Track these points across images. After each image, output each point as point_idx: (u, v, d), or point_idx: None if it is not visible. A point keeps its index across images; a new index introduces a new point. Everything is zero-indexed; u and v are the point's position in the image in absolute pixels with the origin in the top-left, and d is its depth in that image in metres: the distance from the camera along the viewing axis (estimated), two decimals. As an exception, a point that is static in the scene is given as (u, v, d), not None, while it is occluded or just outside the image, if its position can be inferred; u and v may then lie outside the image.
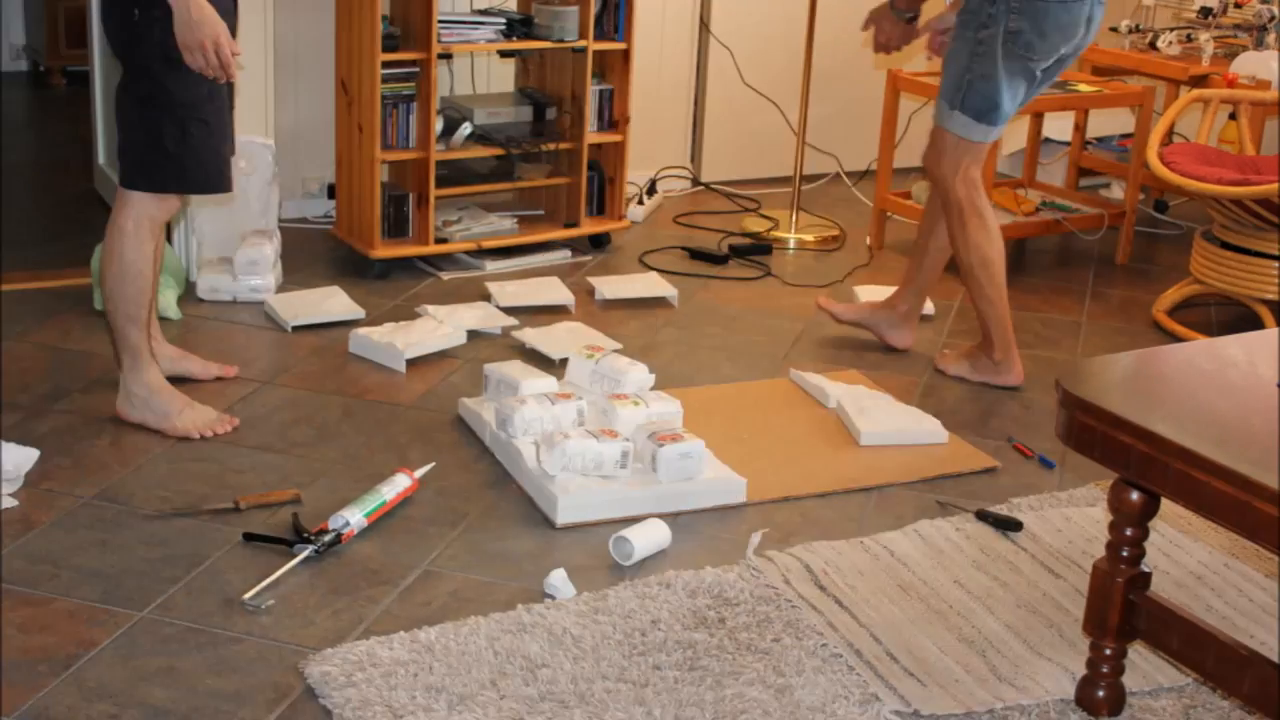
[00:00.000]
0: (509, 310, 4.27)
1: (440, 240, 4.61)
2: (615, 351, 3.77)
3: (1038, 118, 5.55)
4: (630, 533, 2.93)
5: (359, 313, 4.14)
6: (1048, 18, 3.51)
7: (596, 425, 3.33)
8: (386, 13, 4.44)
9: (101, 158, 5.04)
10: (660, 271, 4.70)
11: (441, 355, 3.90)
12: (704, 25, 5.58)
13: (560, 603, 2.73)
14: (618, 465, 3.13)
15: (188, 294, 4.25)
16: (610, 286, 4.43)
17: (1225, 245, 4.45)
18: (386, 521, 3.03)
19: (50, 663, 2.47)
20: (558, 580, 2.79)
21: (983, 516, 3.16)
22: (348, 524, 2.92)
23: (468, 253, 4.67)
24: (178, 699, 2.40)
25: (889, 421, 3.51)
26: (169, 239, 4.40)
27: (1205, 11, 5.57)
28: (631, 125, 4.87)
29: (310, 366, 3.82)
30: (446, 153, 4.59)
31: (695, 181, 5.74)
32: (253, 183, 4.31)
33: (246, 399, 3.59)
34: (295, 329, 4.03)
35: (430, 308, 4.09)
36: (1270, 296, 4.37)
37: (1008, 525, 3.12)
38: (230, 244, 4.30)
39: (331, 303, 4.17)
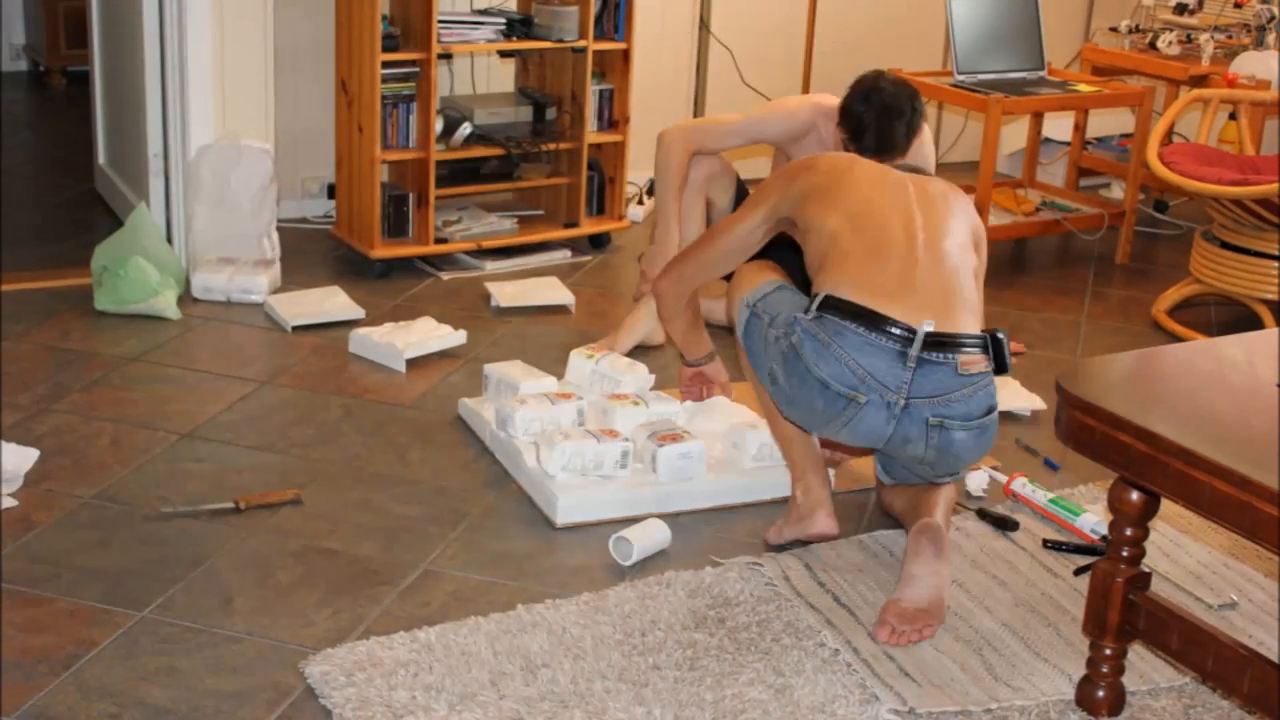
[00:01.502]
0: (508, 310, 4.27)
1: (440, 240, 4.61)
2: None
3: (1038, 118, 5.55)
4: (630, 533, 2.93)
5: (359, 312, 4.14)
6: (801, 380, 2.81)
7: (596, 425, 3.33)
8: (386, 13, 4.44)
9: (102, 158, 5.04)
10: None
11: (441, 355, 3.90)
12: (704, 25, 5.58)
13: (560, 602, 2.73)
14: (618, 465, 3.13)
15: (185, 293, 4.25)
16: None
17: (1225, 245, 4.45)
18: (386, 521, 3.03)
19: (50, 662, 2.47)
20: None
21: (983, 516, 3.16)
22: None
23: (468, 253, 4.67)
24: (178, 699, 2.40)
25: None
26: (169, 239, 4.41)
27: (1180, 8, 5.58)
28: (631, 125, 4.87)
29: (310, 366, 3.82)
30: (446, 153, 4.59)
31: (695, 181, 5.74)
32: (248, 188, 4.30)
33: (246, 399, 3.59)
34: (295, 329, 4.03)
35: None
36: (1270, 296, 4.37)
37: (1005, 524, 3.13)
38: (226, 243, 4.29)
39: (331, 303, 4.17)
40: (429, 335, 3.90)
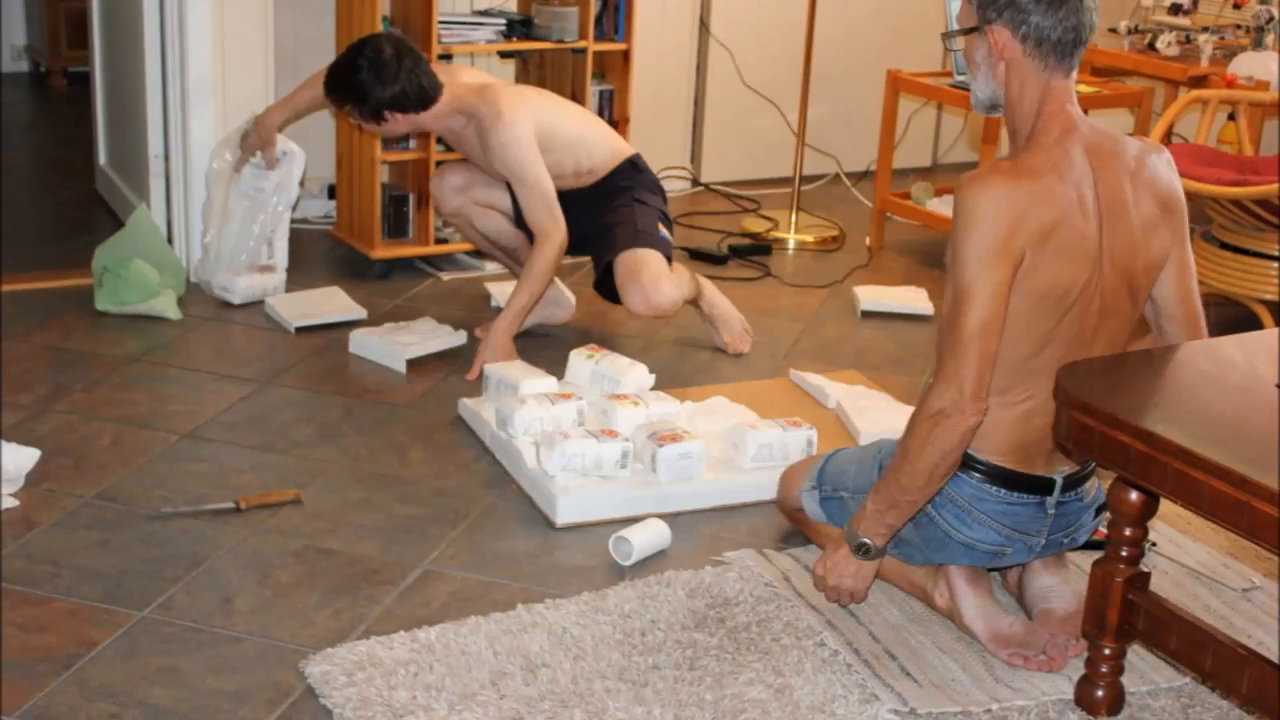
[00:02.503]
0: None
1: (440, 241, 4.61)
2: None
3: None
4: (630, 533, 2.93)
5: (361, 313, 4.14)
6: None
7: (596, 425, 3.33)
8: (386, 13, 4.45)
9: (102, 158, 5.04)
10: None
11: (441, 355, 3.90)
12: (704, 26, 5.59)
13: (560, 602, 2.73)
14: (618, 465, 3.14)
15: (187, 293, 4.25)
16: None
17: (1224, 246, 4.45)
18: (386, 521, 3.03)
19: (51, 662, 2.48)
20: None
21: None
22: None
23: (468, 253, 4.67)
24: (178, 699, 2.40)
25: (888, 421, 3.51)
26: (169, 240, 4.41)
27: (1175, 8, 5.58)
28: (631, 126, 4.87)
29: (310, 366, 3.82)
30: (446, 153, 4.59)
31: (695, 182, 5.75)
32: (268, 186, 4.28)
33: (246, 399, 3.59)
34: (299, 330, 4.04)
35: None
36: (1269, 297, 4.37)
37: None
38: (234, 239, 4.28)
39: (333, 303, 4.18)
40: (429, 336, 3.91)
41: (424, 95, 3.79)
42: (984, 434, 2.54)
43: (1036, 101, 2.49)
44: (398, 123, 3.85)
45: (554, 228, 3.78)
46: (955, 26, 2.63)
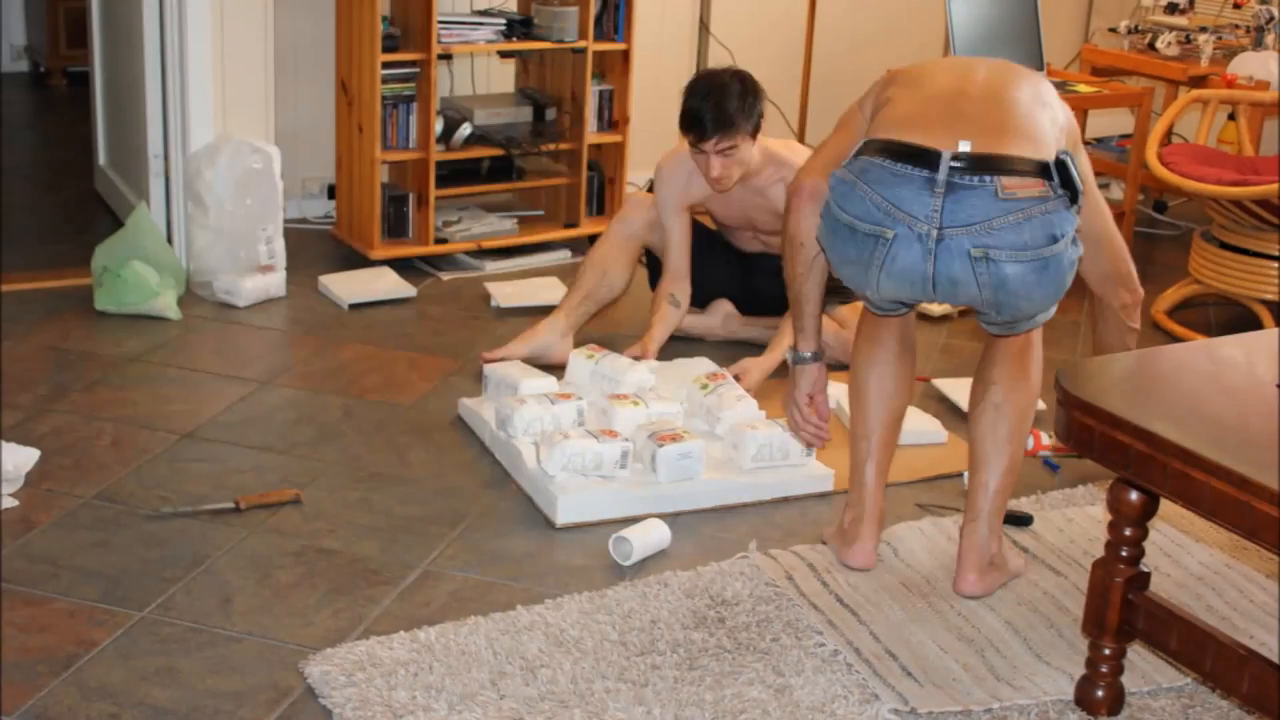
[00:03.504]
0: (508, 310, 4.27)
1: (440, 241, 4.61)
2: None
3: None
4: (630, 533, 2.93)
5: (410, 291, 4.26)
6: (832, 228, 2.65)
7: (596, 425, 3.33)
8: (386, 13, 4.45)
9: (102, 158, 5.04)
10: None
11: (441, 355, 3.89)
12: (704, 26, 5.58)
13: (560, 602, 2.73)
14: (618, 465, 3.14)
15: (187, 293, 4.25)
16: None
17: (1224, 245, 4.45)
18: (387, 521, 3.03)
19: (50, 662, 2.47)
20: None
21: None
22: None
23: (468, 253, 4.67)
24: (178, 699, 2.40)
25: None
26: (169, 239, 4.41)
27: (1172, 8, 5.58)
28: (631, 125, 4.87)
29: (310, 366, 3.82)
30: (446, 153, 4.59)
31: (695, 182, 5.74)
32: (257, 187, 4.28)
33: (246, 399, 3.59)
34: (352, 307, 4.19)
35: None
36: (1269, 296, 4.37)
37: (1019, 521, 3.13)
38: (237, 240, 4.26)
39: (383, 282, 4.32)
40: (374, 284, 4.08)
41: (759, 126, 3.79)
42: (887, 121, 2.61)
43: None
44: (745, 155, 3.76)
45: None
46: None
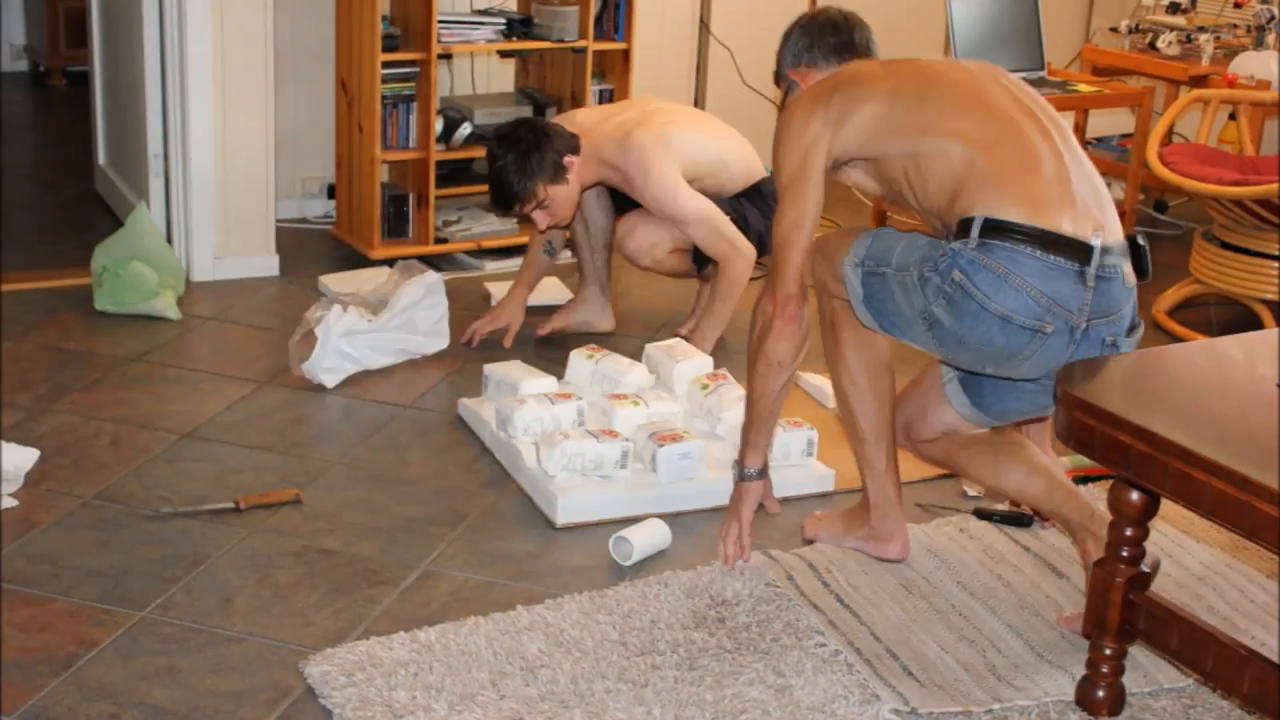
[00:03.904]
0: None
1: (440, 240, 4.61)
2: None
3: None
4: (630, 533, 2.93)
5: None
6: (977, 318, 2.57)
7: (596, 425, 3.33)
8: (386, 13, 4.44)
9: (102, 158, 5.04)
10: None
11: (441, 355, 3.89)
12: (704, 25, 5.58)
13: (560, 602, 2.73)
14: (618, 465, 3.13)
15: (187, 293, 4.25)
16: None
17: (1225, 245, 4.45)
18: (387, 521, 3.03)
19: (50, 662, 2.47)
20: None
21: (983, 515, 3.16)
22: None
23: (467, 253, 4.67)
24: (178, 699, 2.40)
25: None
26: (169, 239, 4.41)
27: (1174, 7, 5.58)
28: (631, 125, 4.87)
29: (310, 366, 3.82)
30: (446, 153, 4.59)
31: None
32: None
33: (246, 399, 3.59)
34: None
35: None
36: (1270, 296, 4.37)
37: (1019, 521, 3.13)
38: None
39: (379, 281, 4.20)
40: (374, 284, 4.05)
41: (559, 165, 3.78)
42: (1003, 194, 2.53)
43: None
44: (561, 195, 3.80)
45: (734, 252, 3.93)
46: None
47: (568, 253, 4.80)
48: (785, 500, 3.22)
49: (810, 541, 3.03)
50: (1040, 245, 2.50)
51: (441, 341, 3.89)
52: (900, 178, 2.68)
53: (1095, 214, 2.56)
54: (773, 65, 3.10)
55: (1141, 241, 2.62)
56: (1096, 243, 2.52)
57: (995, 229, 2.51)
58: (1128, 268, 2.59)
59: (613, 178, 3.91)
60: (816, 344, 4.18)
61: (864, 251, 2.73)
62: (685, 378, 3.58)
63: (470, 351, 3.95)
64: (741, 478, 2.90)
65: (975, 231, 2.51)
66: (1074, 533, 2.75)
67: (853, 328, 2.81)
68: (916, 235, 2.72)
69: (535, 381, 3.47)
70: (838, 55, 2.94)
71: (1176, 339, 4.37)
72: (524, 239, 4.73)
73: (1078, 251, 2.51)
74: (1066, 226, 2.52)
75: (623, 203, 4.04)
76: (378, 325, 3.75)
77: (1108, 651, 2.45)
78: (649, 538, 2.94)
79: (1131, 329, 2.62)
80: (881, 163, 2.71)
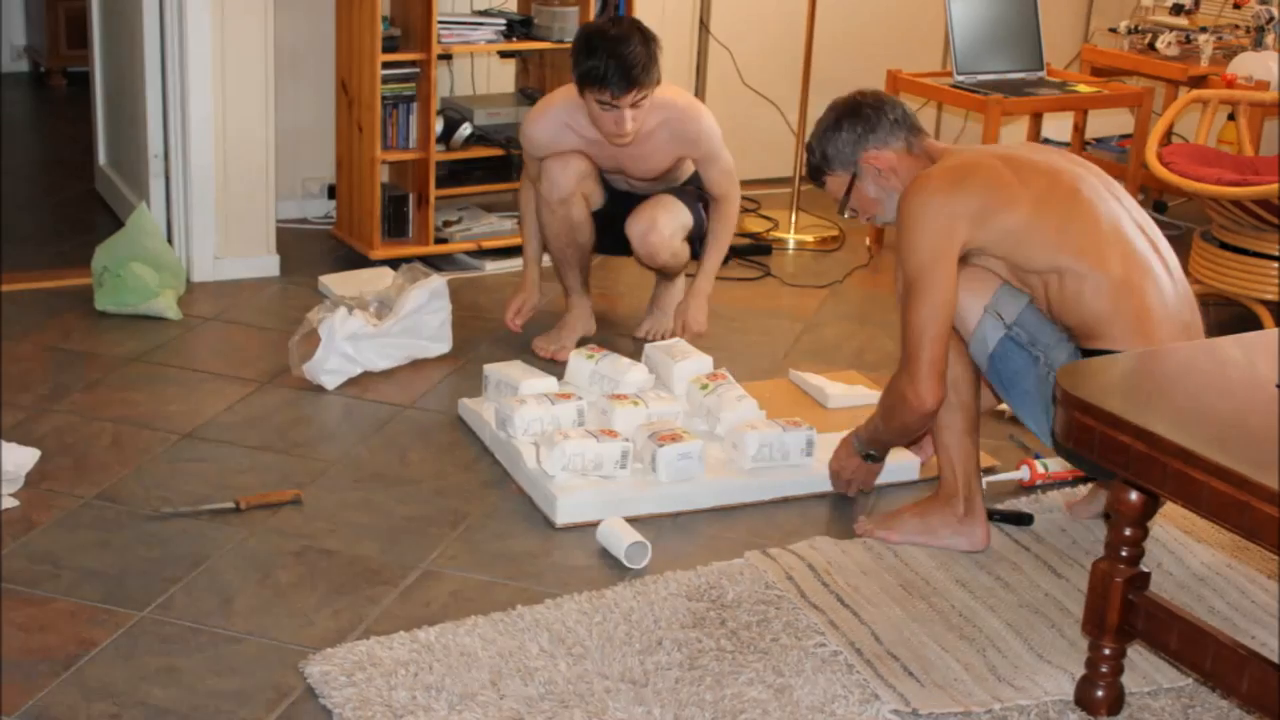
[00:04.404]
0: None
1: (440, 241, 4.61)
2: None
3: (1037, 118, 5.55)
4: (635, 536, 2.93)
5: None
6: None
7: (596, 425, 3.33)
8: (386, 13, 4.45)
9: (102, 158, 5.04)
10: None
11: (441, 356, 3.89)
12: (703, 26, 5.58)
13: (560, 602, 2.73)
14: (618, 465, 3.14)
15: (187, 293, 4.25)
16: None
17: (1224, 246, 4.45)
18: (386, 521, 3.03)
19: (51, 662, 2.48)
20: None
21: (991, 516, 3.15)
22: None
23: (468, 253, 4.67)
24: (178, 699, 2.40)
25: (856, 395, 3.63)
26: (169, 239, 4.41)
27: (1177, 9, 5.58)
28: (631, 126, 4.87)
29: (310, 367, 3.82)
30: (446, 153, 4.59)
31: (695, 182, 5.74)
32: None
33: (246, 399, 3.59)
34: None
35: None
36: (1269, 297, 4.37)
37: (1019, 520, 3.13)
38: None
39: (382, 282, 4.21)
40: (374, 285, 4.07)
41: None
42: (1123, 339, 2.72)
43: (923, 160, 2.96)
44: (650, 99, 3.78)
45: (736, 192, 4.09)
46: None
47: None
48: (784, 500, 3.23)
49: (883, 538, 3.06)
50: None
51: (444, 345, 3.90)
52: (1039, 285, 2.81)
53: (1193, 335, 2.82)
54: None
55: None
56: None
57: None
58: None
59: (653, 124, 3.85)
60: (820, 344, 4.19)
61: (1015, 314, 2.83)
62: (685, 378, 3.59)
63: (470, 352, 3.95)
64: (867, 459, 3.15)
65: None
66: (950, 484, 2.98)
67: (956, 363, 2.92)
68: (1056, 328, 2.83)
69: (535, 381, 3.47)
70: (902, 129, 2.99)
71: (1176, 339, 4.37)
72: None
73: None
74: None
75: (606, 222, 4.05)
76: (382, 330, 3.75)
77: (1107, 651, 2.45)
78: (629, 533, 2.94)
79: None
80: (1022, 267, 2.81)
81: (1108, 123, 5.87)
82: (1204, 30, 5.45)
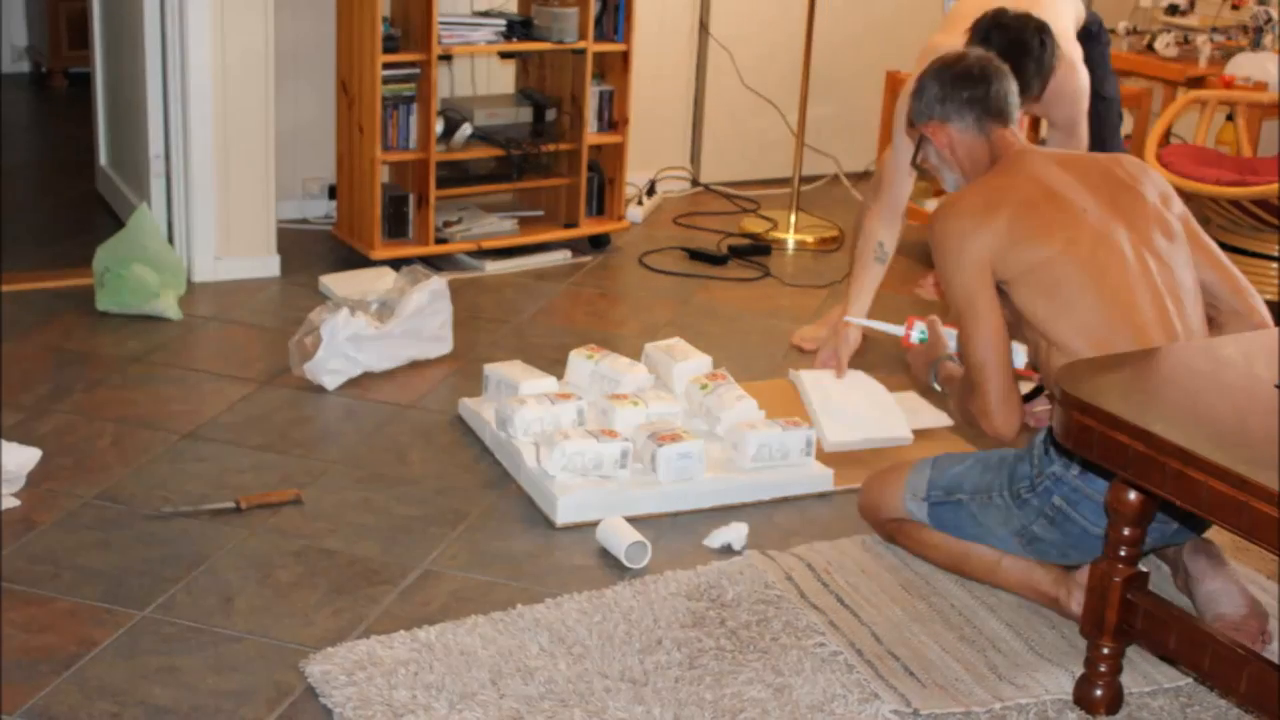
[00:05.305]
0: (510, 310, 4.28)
1: (440, 241, 4.61)
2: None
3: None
4: (629, 531, 2.93)
5: None
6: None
7: (596, 425, 3.33)
8: (386, 13, 4.45)
9: (103, 159, 5.05)
10: (660, 272, 4.70)
11: (441, 357, 3.90)
12: (703, 27, 5.59)
13: (560, 602, 2.74)
14: (617, 465, 3.14)
15: (187, 293, 4.26)
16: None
17: (1223, 246, 4.43)
18: (386, 521, 3.04)
19: (51, 662, 2.48)
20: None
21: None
22: None
23: (468, 253, 4.67)
24: (178, 698, 2.40)
25: (855, 430, 3.52)
26: (170, 240, 4.41)
27: (1172, 9, 5.59)
28: (631, 126, 4.88)
29: (310, 367, 3.82)
30: (447, 154, 4.60)
31: (694, 182, 5.75)
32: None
33: (247, 399, 3.60)
34: None
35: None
36: (1268, 297, 4.38)
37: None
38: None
39: (384, 282, 4.23)
40: (375, 285, 4.05)
41: None
42: None
43: (987, 159, 2.88)
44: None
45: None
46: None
47: (567, 252, 4.81)
48: (784, 500, 3.23)
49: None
50: None
51: (445, 346, 3.90)
52: (1035, 337, 2.75)
53: None
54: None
55: None
56: None
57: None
58: None
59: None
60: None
61: (924, 485, 2.86)
62: (684, 377, 3.59)
63: (470, 352, 3.95)
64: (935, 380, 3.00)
65: (1077, 464, 2.61)
66: (1050, 589, 2.78)
67: (920, 526, 2.91)
68: (981, 455, 2.83)
69: (535, 381, 3.48)
70: (972, 110, 2.87)
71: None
72: (524, 239, 4.74)
73: None
74: None
75: None
76: (384, 332, 3.76)
77: (1106, 650, 2.46)
78: (628, 531, 2.95)
79: None
80: (1024, 311, 2.74)
81: (1107, 123, 5.86)
82: (1202, 31, 5.45)
